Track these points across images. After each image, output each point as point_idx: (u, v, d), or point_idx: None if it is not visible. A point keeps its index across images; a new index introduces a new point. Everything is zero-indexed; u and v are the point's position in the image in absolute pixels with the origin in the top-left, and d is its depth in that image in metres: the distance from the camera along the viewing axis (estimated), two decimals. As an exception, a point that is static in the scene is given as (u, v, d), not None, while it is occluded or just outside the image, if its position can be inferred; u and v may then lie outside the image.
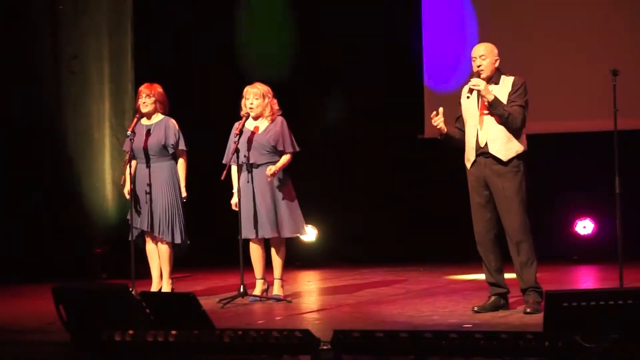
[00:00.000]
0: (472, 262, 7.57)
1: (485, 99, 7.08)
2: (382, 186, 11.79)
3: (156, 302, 5.95)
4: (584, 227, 11.20)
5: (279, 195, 8.19)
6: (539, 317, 6.15)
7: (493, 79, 7.18)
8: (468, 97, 7.16)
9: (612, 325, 5.10)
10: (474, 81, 7.10)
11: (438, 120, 7.22)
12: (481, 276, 7.55)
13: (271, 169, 8.08)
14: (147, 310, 5.83)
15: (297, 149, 8.29)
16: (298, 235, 8.45)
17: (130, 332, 5.66)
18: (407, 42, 11.60)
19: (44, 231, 10.50)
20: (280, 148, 8.19)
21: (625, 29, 10.85)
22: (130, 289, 6.38)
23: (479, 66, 7.15)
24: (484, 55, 7.17)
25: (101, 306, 5.93)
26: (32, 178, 10.51)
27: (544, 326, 5.24)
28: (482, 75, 7.14)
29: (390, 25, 11.60)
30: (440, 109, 7.25)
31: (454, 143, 7.35)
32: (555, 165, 11.03)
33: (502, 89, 7.15)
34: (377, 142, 11.76)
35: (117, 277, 9.71)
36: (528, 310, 7.05)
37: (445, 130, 7.26)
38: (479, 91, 7.09)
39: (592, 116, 10.51)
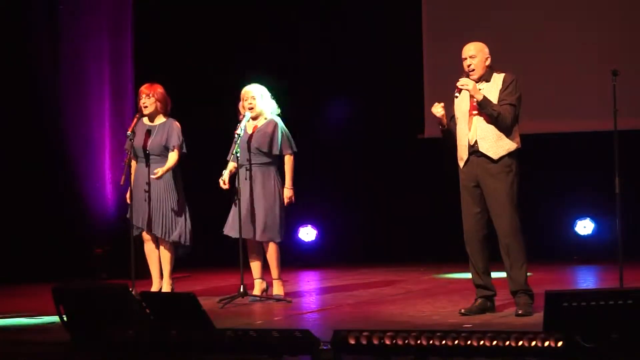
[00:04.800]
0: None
1: (474, 99, 7.04)
2: (382, 186, 11.78)
3: (156, 302, 5.95)
4: (584, 227, 11.19)
5: (272, 199, 8.19)
6: (539, 317, 6.15)
7: (484, 77, 7.11)
8: (457, 97, 7.14)
9: (612, 325, 5.10)
10: (462, 81, 7.06)
11: (439, 108, 7.15)
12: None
13: (289, 193, 8.13)
14: (147, 310, 5.83)
15: (294, 149, 8.27)
16: (278, 242, 8.32)
17: (130, 332, 5.67)
18: (407, 42, 11.60)
19: (44, 231, 10.49)
20: (264, 150, 8.16)
21: (625, 29, 10.85)
22: (130, 289, 6.38)
23: (469, 66, 7.11)
24: (473, 54, 7.11)
25: (101, 306, 5.93)
26: (32, 178, 10.50)
27: (544, 326, 5.24)
28: (474, 76, 7.09)
29: (391, 24, 11.59)
30: (441, 103, 7.20)
31: (451, 140, 7.29)
32: (555, 165, 11.02)
33: (493, 87, 7.10)
34: (377, 142, 11.76)
35: (117, 277, 9.70)
36: (520, 312, 7.00)
37: (446, 123, 7.21)
38: (468, 90, 7.05)
39: (592, 116, 10.50)
